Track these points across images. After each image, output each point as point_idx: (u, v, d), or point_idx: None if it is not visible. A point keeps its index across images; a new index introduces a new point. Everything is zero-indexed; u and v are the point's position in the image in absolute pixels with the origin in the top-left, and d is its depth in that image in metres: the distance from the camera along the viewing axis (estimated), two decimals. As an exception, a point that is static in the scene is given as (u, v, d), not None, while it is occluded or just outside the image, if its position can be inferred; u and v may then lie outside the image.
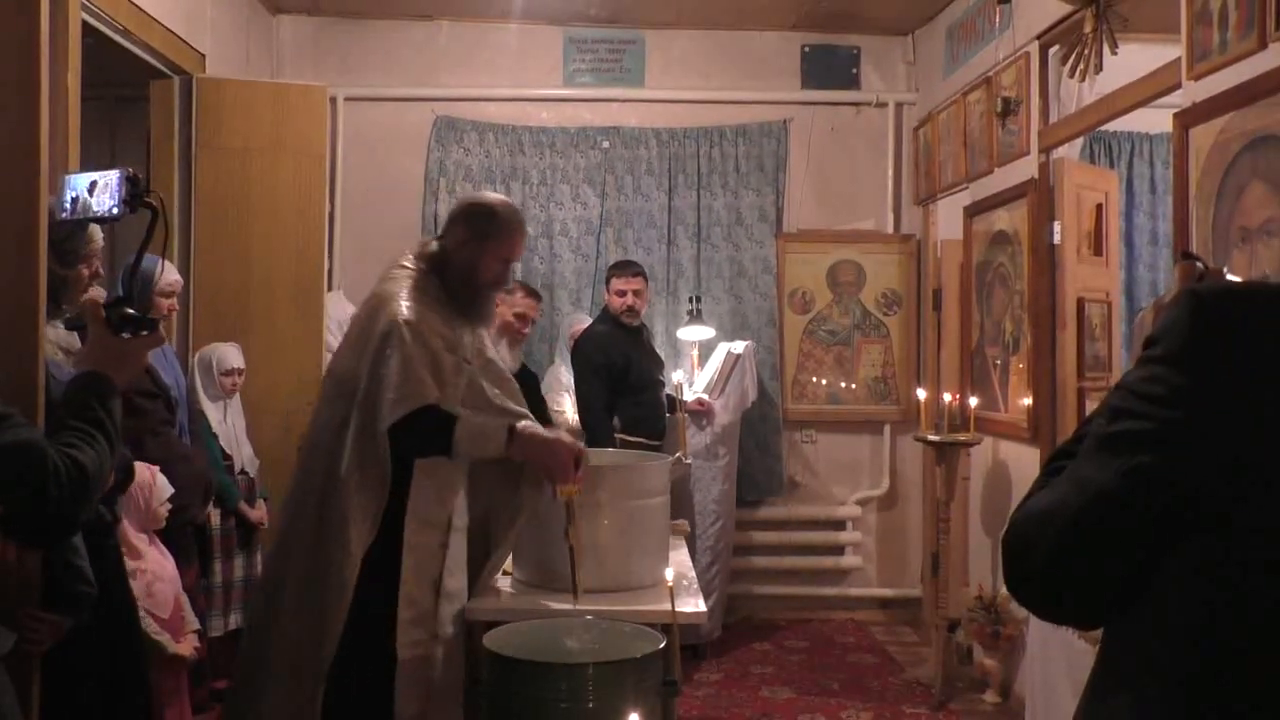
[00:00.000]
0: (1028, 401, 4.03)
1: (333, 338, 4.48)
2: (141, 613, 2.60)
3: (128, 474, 2.60)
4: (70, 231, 2.14)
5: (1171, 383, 0.93)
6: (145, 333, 1.63)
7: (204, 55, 4.44)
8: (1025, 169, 4.08)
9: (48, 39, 1.80)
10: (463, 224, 2.50)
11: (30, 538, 1.54)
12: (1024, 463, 4.09)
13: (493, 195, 2.71)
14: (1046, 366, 3.94)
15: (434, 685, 2.31)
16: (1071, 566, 0.98)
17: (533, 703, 1.91)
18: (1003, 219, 4.34)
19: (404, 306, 2.34)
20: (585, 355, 4.51)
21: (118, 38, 3.78)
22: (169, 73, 4.27)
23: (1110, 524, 0.95)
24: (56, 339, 2.18)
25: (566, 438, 2.42)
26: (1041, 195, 3.95)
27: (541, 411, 3.93)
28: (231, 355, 3.89)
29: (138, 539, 2.86)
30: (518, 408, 2.54)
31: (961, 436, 4.28)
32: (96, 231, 2.30)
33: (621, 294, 4.60)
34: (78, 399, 1.54)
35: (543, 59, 5.55)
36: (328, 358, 4.29)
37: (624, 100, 5.56)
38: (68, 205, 1.68)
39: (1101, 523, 0.96)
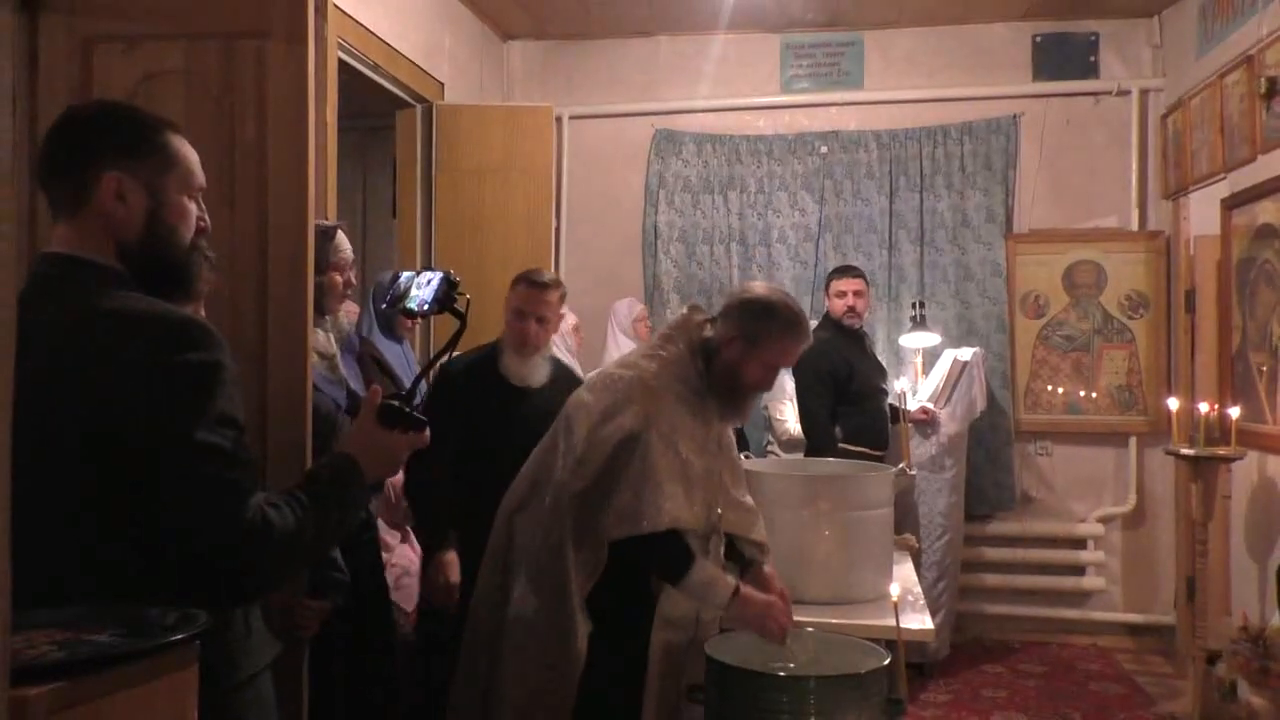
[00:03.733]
0: (1301, 412, 3.63)
1: (556, 349, 4.64)
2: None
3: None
4: (317, 240, 2.34)
5: None
6: (412, 431, 1.56)
7: (443, 84, 4.74)
8: (1296, 155, 3.68)
9: (314, 84, 1.98)
10: (736, 318, 2.29)
11: (202, 593, 1.28)
12: (1297, 480, 3.68)
13: (776, 292, 2.38)
14: (1324, 374, 3.53)
15: None
16: None
17: (754, 713, 1.90)
18: (1269, 211, 3.93)
19: (653, 408, 2.18)
20: (808, 362, 4.42)
21: (368, 72, 4.11)
22: (412, 102, 4.59)
23: None
24: (313, 344, 2.38)
25: (778, 601, 2.23)
26: (1316, 183, 3.55)
27: None
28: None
29: (389, 534, 3.07)
30: (748, 499, 2.45)
31: (1221, 450, 3.90)
32: (344, 241, 2.50)
33: (841, 295, 4.50)
34: (316, 473, 1.48)
35: (760, 67, 5.55)
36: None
37: (842, 103, 5.46)
38: (389, 290, 1.82)
39: None
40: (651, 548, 2.14)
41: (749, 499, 2.45)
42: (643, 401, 2.19)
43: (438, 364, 1.84)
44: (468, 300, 1.68)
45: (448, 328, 1.69)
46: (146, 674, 1.06)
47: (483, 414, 3.05)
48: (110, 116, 1.46)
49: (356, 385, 2.57)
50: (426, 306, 1.66)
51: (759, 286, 2.45)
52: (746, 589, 2.20)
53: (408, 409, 1.56)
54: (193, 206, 1.47)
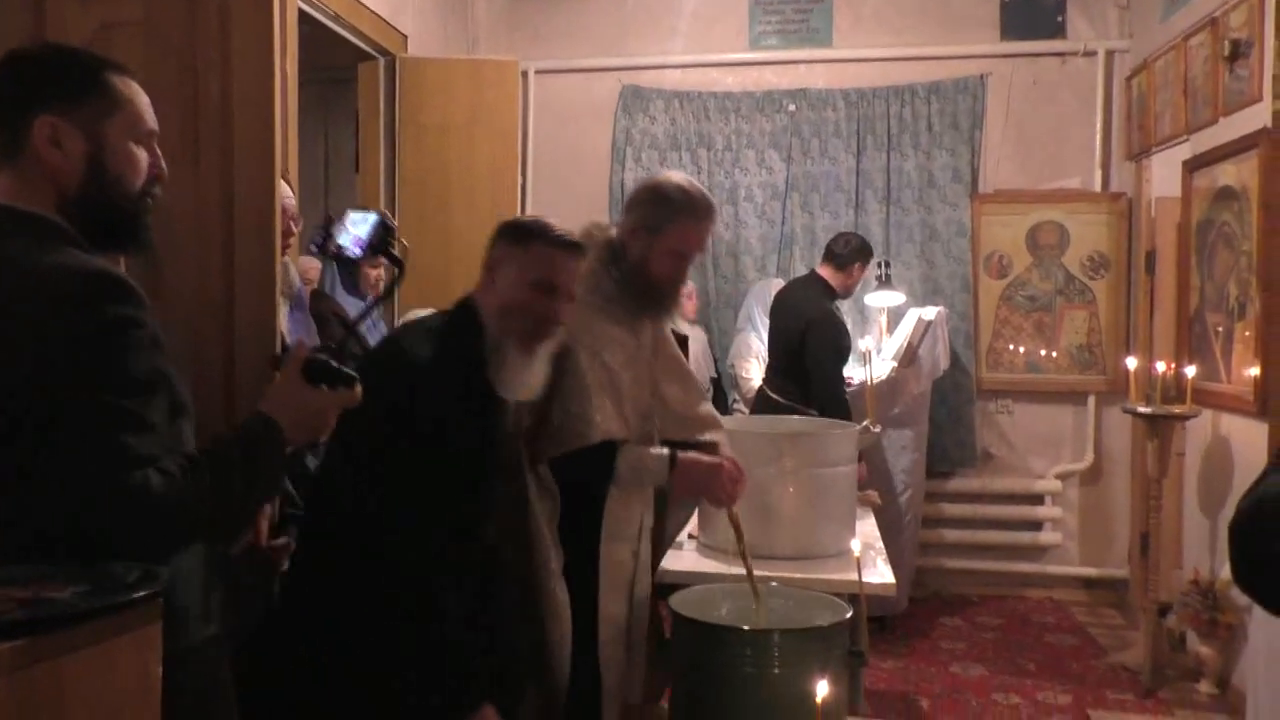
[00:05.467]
0: (1254, 372, 3.71)
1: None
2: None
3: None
4: None
5: None
6: (342, 388, 1.44)
7: (406, 36, 4.65)
8: (1256, 117, 3.73)
9: (279, 34, 1.93)
10: (634, 210, 2.21)
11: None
12: (1249, 438, 3.77)
13: (673, 176, 2.27)
14: (1278, 334, 3.60)
15: (631, 690, 2.27)
16: None
17: (720, 666, 1.93)
18: (1229, 173, 3.98)
19: (573, 325, 2.04)
20: (830, 335, 4.30)
21: (329, 23, 4.02)
22: (374, 54, 4.51)
23: None
24: (289, 280, 2.32)
25: (727, 461, 2.21)
26: (1275, 146, 3.60)
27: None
28: (432, 322, 4.09)
29: None
30: (703, 409, 2.40)
31: (1177, 409, 3.99)
32: (282, 187, 2.42)
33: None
34: (223, 436, 1.38)
35: (728, 23, 5.50)
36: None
37: (811, 61, 5.44)
38: (322, 231, 1.72)
39: None
40: (584, 460, 2.10)
41: (708, 409, 2.42)
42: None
43: (371, 312, 1.77)
44: (403, 245, 1.59)
45: (418, 288, 1.63)
46: (110, 631, 1.05)
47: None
48: (45, 58, 1.37)
49: (302, 334, 2.52)
50: (360, 250, 1.56)
51: (654, 176, 2.33)
52: (686, 455, 2.17)
53: (336, 364, 1.44)
54: (142, 153, 1.39)
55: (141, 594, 1.11)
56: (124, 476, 1.22)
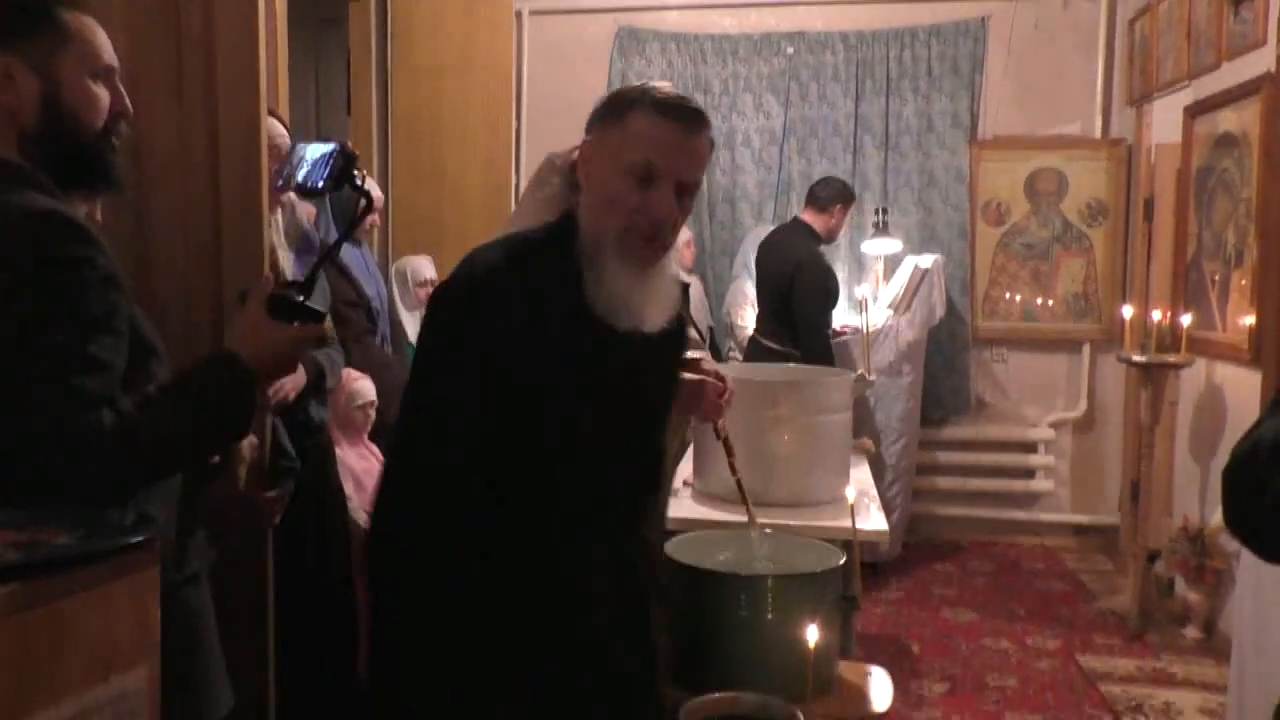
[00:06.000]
0: (1250, 320, 3.70)
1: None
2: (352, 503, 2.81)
3: (321, 378, 2.70)
4: None
5: None
6: (308, 323, 1.40)
7: (397, -25, 4.56)
8: (1260, 62, 3.67)
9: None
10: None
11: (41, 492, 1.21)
12: (1243, 387, 3.78)
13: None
14: (1275, 282, 3.59)
15: None
16: None
17: (713, 611, 1.95)
18: (1230, 119, 3.94)
19: None
20: (818, 278, 4.35)
21: (318, -39, 3.93)
22: (365, -6, 4.42)
23: None
24: (281, 223, 2.29)
25: (711, 375, 2.04)
26: (1278, 92, 3.55)
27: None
28: (425, 267, 4.05)
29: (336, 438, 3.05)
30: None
31: (1171, 358, 3.99)
32: (274, 126, 2.36)
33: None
34: (185, 371, 1.34)
35: (726, -37, 5.39)
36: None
37: (810, 3, 5.34)
38: (283, 166, 1.64)
39: None
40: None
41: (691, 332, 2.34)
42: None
43: (340, 246, 1.67)
44: (364, 175, 1.51)
45: (410, 232, 1.59)
46: (107, 575, 1.05)
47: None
48: None
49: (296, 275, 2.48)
50: (320, 183, 1.49)
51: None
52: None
53: (300, 298, 1.40)
54: (101, 90, 1.35)
55: (139, 538, 1.11)
56: (74, 416, 1.20)
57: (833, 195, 4.47)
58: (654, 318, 1.45)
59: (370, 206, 1.56)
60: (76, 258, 1.24)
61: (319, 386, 2.43)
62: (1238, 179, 3.89)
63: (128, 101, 1.38)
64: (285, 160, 1.52)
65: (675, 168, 1.40)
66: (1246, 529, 0.96)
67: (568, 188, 1.97)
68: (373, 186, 3.69)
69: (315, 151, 1.47)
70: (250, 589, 1.90)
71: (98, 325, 1.24)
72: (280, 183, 1.54)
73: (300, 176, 1.45)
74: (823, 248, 4.50)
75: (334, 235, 3.47)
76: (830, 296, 4.38)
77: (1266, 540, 0.96)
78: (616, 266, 1.41)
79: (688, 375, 2.03)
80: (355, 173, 1.45)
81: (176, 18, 1.83)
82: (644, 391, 1.51)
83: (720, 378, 2.09)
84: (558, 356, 1.38)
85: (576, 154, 1.87)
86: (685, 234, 4.83)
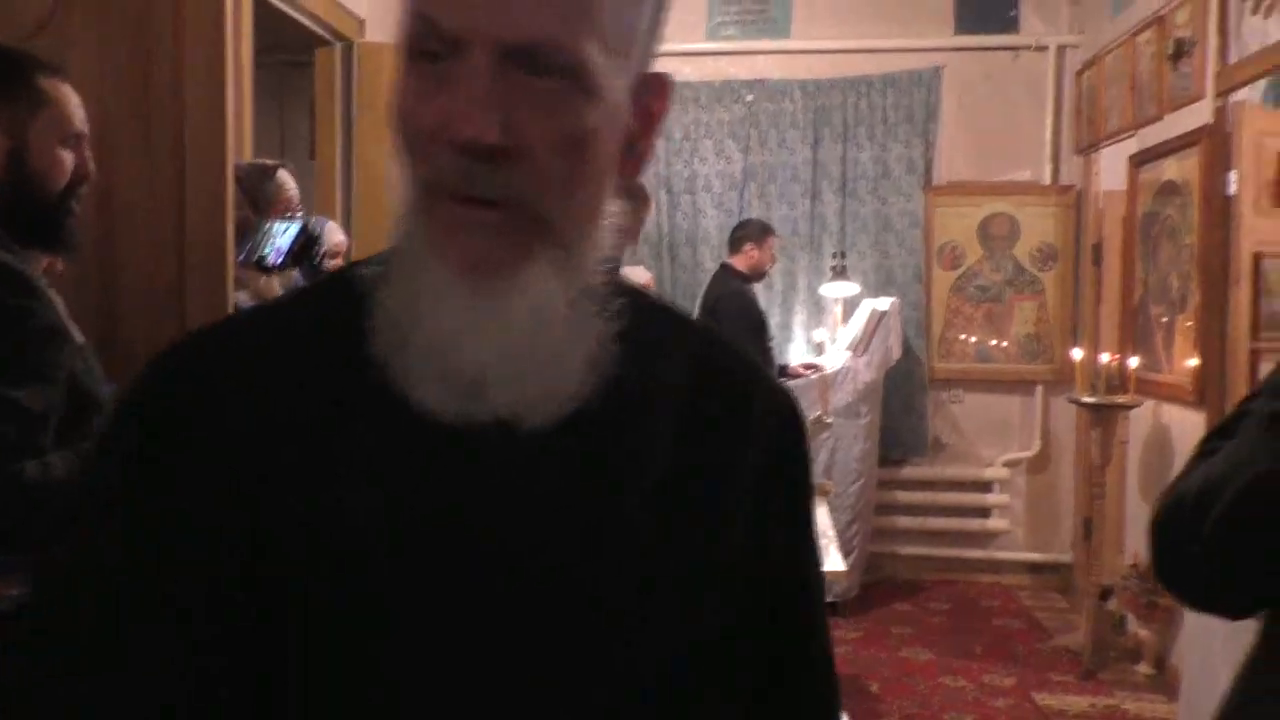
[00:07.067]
0: (1194, 363, 3.82)
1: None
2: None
3: None
4: (255, 180, 2.28)
5: None
6: None
7: (362, 20, 4.61)
8: (1199, 114, 3.83)
9: (231, 16, 1.92)
10: None
11: None
12: (1188, 427, 3.89)
13: None
14: (1216, 326, 3.71)
15: None
16: (1230, 555, 0.91)
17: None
18: (1172, 168, 4.08)
19: None
20: (739, 312, 4.49)
21: (284, 7, 3.97)
22: (330, 39, 4.46)
23: (1275, 508, 0.89)
24: (256, 289, 2.31)
25: None
26: (1216, 143, 3.70)
27: None
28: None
29: None
30: None
31: (1120, 399, 4.10)
32: (287, 180, 2.41)
33: (772, 251, 4.71)
34: None
35: (686, 13, 5.50)
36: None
37: (769, 52, 5.47)
38: (248, 241, 1.66)
39: (1265, 507, 0.89)
40: None
41: None
42: None
43: None
44: (324, 252, 1.54)
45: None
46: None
47: None
48: None
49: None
50: (281, 260, 1.53)
51: None
52: None
53: None
54: (68, 155, 1.39)
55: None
56: None
57: (742, 235, 4.72)
58: (524, 388, 0.65)
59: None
60: (15, 307, 1.26)
61: None
62: (1180, 226, 4.02)
63: (92, 165, 1.42)
64: (253, 234, 1.57)
65: (477, 17, 0.61)
66: (1175, 580, 0.98)
67: None
68: (336, 230, 3.72)
69: (283, 231, 1.52)
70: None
71: (30, 375, 1.25)
72: (242, 256, 1.57)
73: (264, 251, 1.49)
74: (756, 285, 4.72)
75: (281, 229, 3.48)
76: (755, 327, 4.51)
77: (1194, 591, 0.99)
78: (423, 279, 0.65)
79: None
80: (315, 250, 1.49)
81: (146, 66, 1.86)
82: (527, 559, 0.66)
83: None
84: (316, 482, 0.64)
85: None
86: (646, 275, 4.94)
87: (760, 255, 4.66)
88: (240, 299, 2.09)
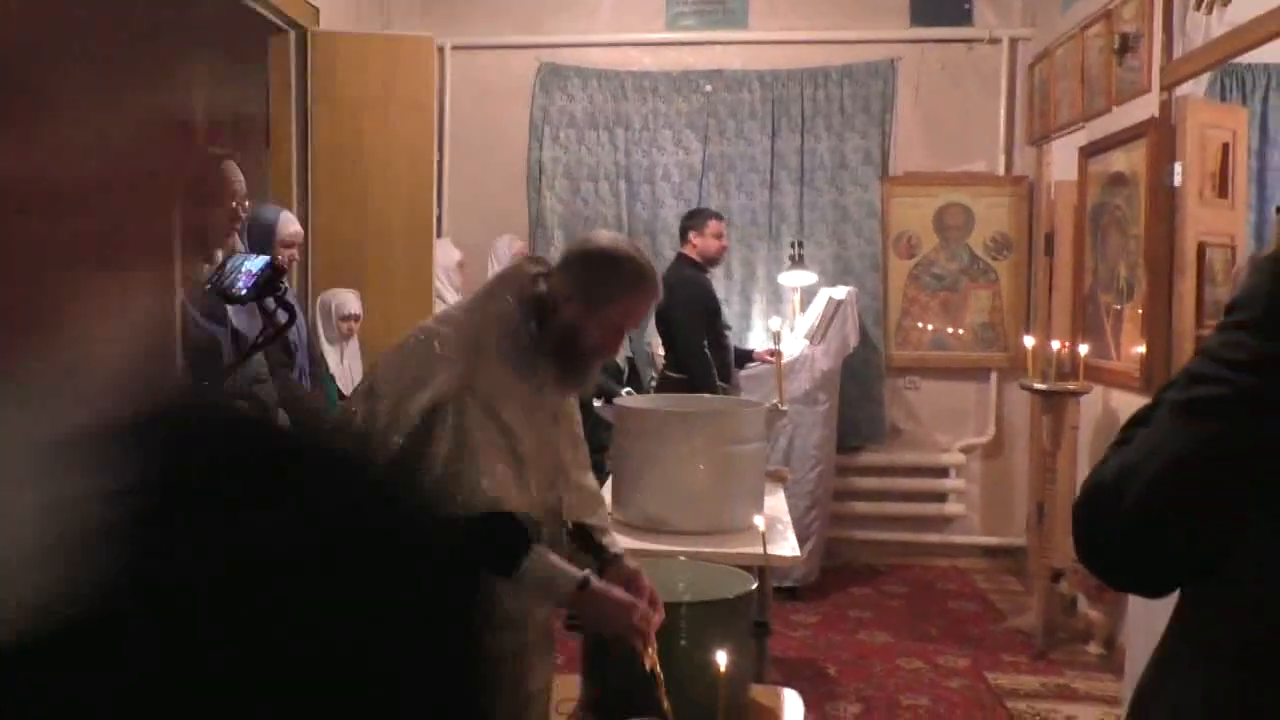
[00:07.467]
0: (1141, 349, 3.91)
1: (440, 284, 4.64)
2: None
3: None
4: (203, 171, 2.26)
5: (1251, 348, 0.91)
6: None
7: (318, 9, 4.57)
8: (1145, 108, 3.91)
9: None
10: (576, 273, 1.90)
11: None
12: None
13: (619, 243, 2.00)
14: (1162, 313, 3.80)
15: None
16: (1144, 537, 0.96)
17: (628, 638, 1.99)
18: (1120, 160, 4.17)
19: (470, 369, 1.77)
20: (690, 299, 4.53)
21: (238, -5, 3.94)
22: (285, 27, 4.42)
23: (1184, 493, 0.94)
24: (198, 279, 2.30)
25: (642, 605, 1.85)
26: (1162, 135, 3.78)
27: None
28: (350, 301, 4.06)
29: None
30: (587, 479, 2.12)
31: (1070, 385, 4.18)
32: (234, 172, 2.39)
33: (719, 235, 4.71)
34: None
35: (645, 3, 5.52)
36: (437, 304, 4.45)
37: (727, 43, 5.50)
38: (215, 272, 1.66)
39: (1175, 492, 0.94)
40: (473, 534, 1.73)
41: (591, 480, 2.16)
42: (458, 361, 1.79)
43: (251, 357, 1.71)
44: (286, 289, 1.56)
45: (332, 265, 1.66)
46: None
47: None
48: None
49: (245, 327, 2.48)
50: (245, 292, 1.55)
51: (603, 236, 2.05)
52: (600, 583, 1.84)
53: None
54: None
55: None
56: None
57: (687, 224, 4.78)
58: None
59: (291, 320, 1.61)
60: None
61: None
62: (1128, 216, 4.11)
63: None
64: (221, 265, 1.60)
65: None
66: (1096, 561, 1.03)
67: (530, 311, 1.90)
68: (291, 220, 3.70)
69: (251, 264, 1.54)
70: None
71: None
72: (209, 285, 1.59)
73: (230, 283, 1.51)
74: (715, 273, 4.77)
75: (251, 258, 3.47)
76: (706, 313, 4.54)
77: (1114, 571, 1.04)
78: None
79: (614, 592, 1.85)
80: (280, 285, 1.51)
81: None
82: None
83: (653, 595, 1.90)
84: None
85: (544, 283, 1.89)
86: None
87: (704, 242, 4.69)
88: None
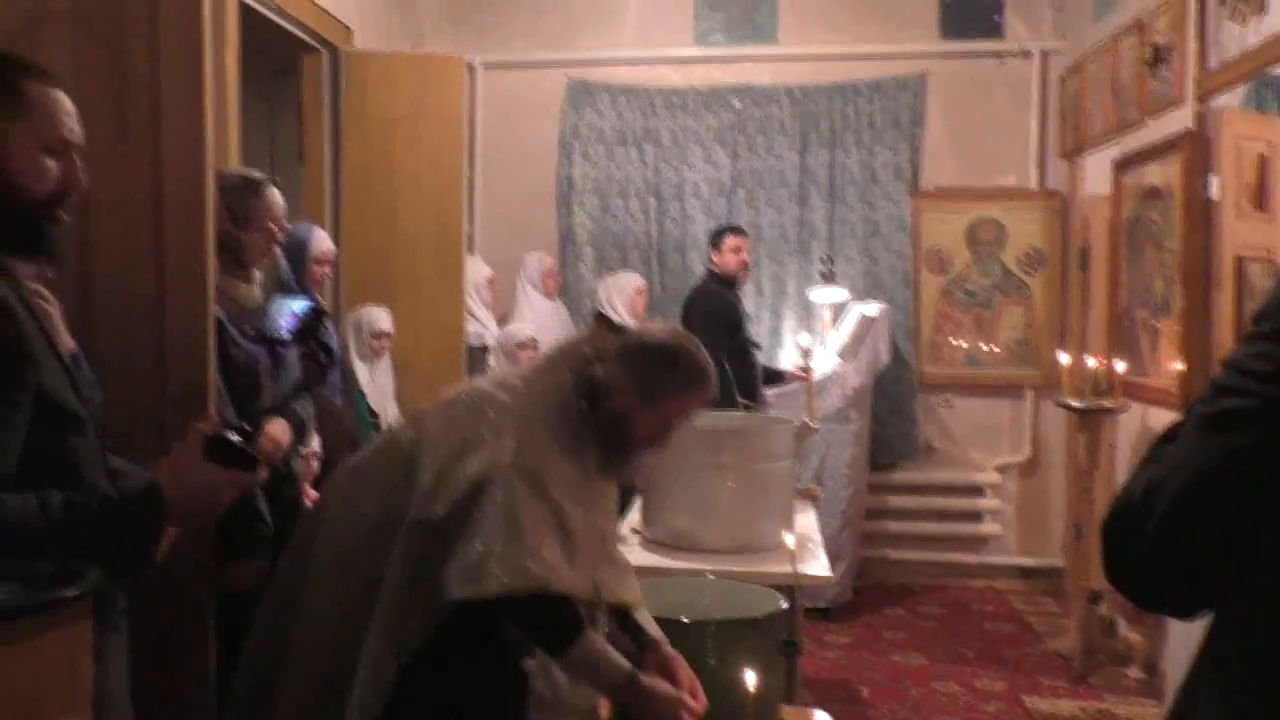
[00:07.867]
0: (1179, 366, 3.83)
1: (470, 301, 4.66)
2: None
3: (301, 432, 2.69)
4: (240, 193, 2.28)
5: (1277, 359, 0.87)
6: (238, 469, 1.35)
7: (350, 29, 4.62)
8: (1179, 120, 3.85)
9: (209, 22, 1.92)
10: (632, 365, 1.88)
11: None
12: (1174, 430, 3.89)
13: (679, 338, 1.95)
14: (1199, 329, 3.73)
15: None
16: (1170, 554, 0.93)
17: (655, 657, 1.96)
18: (1155, 173, 4.10)
19: (521, 442, 1.77)
20: (709, 314, 4.56)
21: (272, 15, 3.98)
22: (319, 47, 4.47)
23: (1211, 507, 0.90)
24: (237, 298, 2.31)
25: (687, 699, 1.81)
26: (1197, 147, 3.72)
27: None
28: (381, 319, 4.07)
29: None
30: (621, 556, 2.09)
31: (1107, 403, 4.11)
32: (275, 196, 2.40)
33: (737, 250, 4.75)
34: (104, 490, 1.31)
35: (674, 18, 5.53)
36: (468, 320, 4.46)
37: (756, 58, 5.49)
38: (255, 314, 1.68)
39: (1201, 506, 0.90)
40: (524, 611, 1.75)
41: (621, 553, 2.13)
42: (509, 433, 1.78)
43: (300, 394, 1.72)
44: (327, 330, 1.56)
45: (363, 281, 1.67)
46: (39, 628, 1.06)
47: None
48: None
49: (284, 348, 2.50)
50: (286, 334, 1.58)
51: (661, 330, 2.00)
52: (647, 679, 1.80)
53: (240, 443, 1.36)
54: (51, 163, 1.36)
55: (72, 592, 1.12)
56: None
57: (710, 241, 4.88)
58: None
59: (332, 360, 1.63)
60: None
61: (299, 439, 2.45)
62: (1164, 230, 4.04)
63: (82, 177, 1.39)
64: (265, 306, 1.64)
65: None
66: (1124, 581, 0.99)
67: (583, 390, 1.91)
68: (324, 238, 3.72)
69: (296, 306, 1.58)
70: (190, 647, 1.89)
71: None
72: (248, 328, 1.62)
73: (275, 325, 1.54)
74: (737, 288, 4.79)
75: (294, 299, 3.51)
76: (727, 326, 4.55)
77: (1142, 592, 1.00)
78: None
79: (661, 686, 1.81)
80: (324, 326, 1.54)
81: (123, 70, 1.85)
82: None
83: (694, 686, 1.85)
84: None
85: (599, 372, 1.89)
86: (638, 281, 4.96)
87: (722, 259, 4.72)
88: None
